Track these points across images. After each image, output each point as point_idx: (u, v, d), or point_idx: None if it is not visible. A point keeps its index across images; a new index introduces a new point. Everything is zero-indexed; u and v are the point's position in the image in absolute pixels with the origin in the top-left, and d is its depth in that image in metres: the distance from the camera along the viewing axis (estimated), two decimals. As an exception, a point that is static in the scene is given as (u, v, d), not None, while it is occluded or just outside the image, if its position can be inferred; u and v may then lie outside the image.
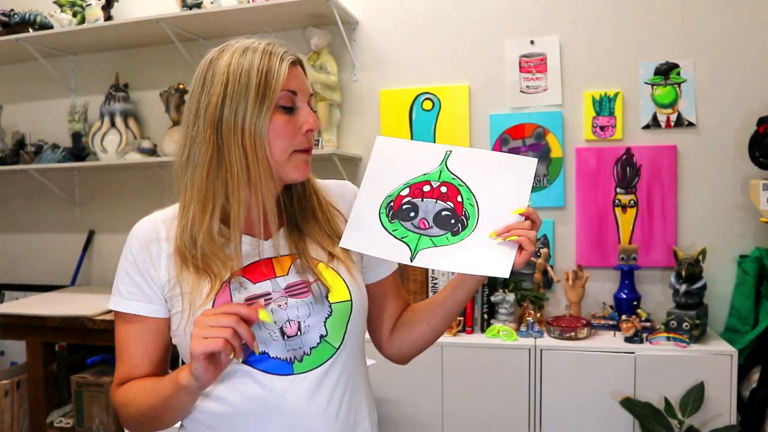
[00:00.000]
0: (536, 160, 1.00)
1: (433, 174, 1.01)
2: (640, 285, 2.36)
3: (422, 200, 0.99)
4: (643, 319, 2.18)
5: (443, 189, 1.00)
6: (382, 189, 1.01)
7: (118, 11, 2.83)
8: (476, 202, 0.98)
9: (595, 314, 2.31)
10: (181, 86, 2.72)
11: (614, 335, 2.18)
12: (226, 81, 0.92)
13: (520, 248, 0.95)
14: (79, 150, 2.85)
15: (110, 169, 3.00)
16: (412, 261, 0.96)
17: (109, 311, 2.44)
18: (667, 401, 1.96)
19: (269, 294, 0.95)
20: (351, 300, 0.99)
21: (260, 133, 0.92)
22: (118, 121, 2.78)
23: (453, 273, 1.08)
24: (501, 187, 0.99)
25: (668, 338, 2.07)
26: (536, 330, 2.20)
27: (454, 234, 0.97)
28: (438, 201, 0.99)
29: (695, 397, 1.93)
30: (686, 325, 2.06)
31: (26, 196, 3.17)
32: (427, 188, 1.00)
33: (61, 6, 2.78)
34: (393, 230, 0.98)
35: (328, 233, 1.03)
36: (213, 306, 0.92)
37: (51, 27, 2.78)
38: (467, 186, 0.99)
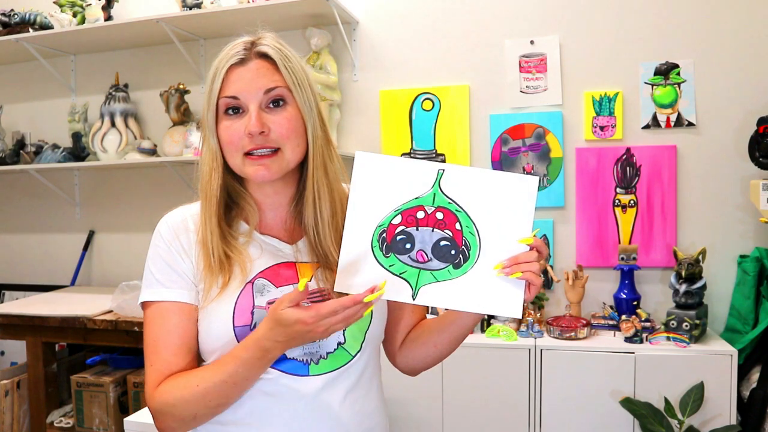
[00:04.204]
0: (537, 178, 0.92)
1: (426, 197, 0.91)
2: (640, 285, 2.36)
3: (417, 229, 0.91)
4: (643, 319, 2.18)
5: (439, 215, 0.91)
6: (372, 217, 0.91)
7: (118, 11, 2.83)
8: (476, 230, 0.91)
9: (595, 314, 2.31)
10: (181, 86, 2.72)
11: (614, 335, 2.18)
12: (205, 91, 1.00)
13: (528, 283, 0.90)
14: (79, 150, 2.85)
15: (110, 169, 3.00)
16: (414, 299, 0.90)
17: (109, 311, 2.44)
18: (667, 401, 1.96)
19: None
20: (371, 311, 0.98)
21: (210, 142, 0.98)
22: (118, 121, 2.78)
23: None
24: (501, 211, 0.91)
25: (668, 338, 2.07)
26: (536, 330, 2.20)
27: (456, 267, 0.91)
28: (435, 229, 0.91)
29: (695, 397, 1.93)
30: (686, 325, 2.06)
31: (26, 196, 3.17)
32: (421, 215, 0.91)
33: (61, 6, 2.78)
34: (390, 266, 0.90)
35: None
36: (235, 307, 0.94)
37: (51, 27, 2.78)
38: (465, 212, 0.91)
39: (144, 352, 0.98)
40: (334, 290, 0.92)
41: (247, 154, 0.95)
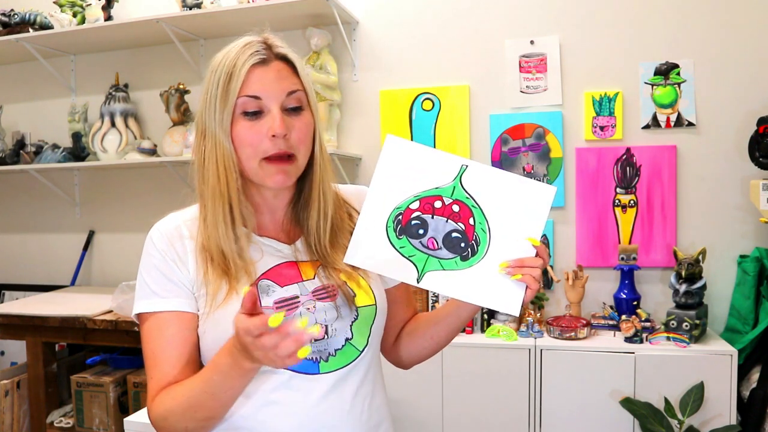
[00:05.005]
0: (555, 188, 0.96)
1: (446, 189, 0.95)
2: (640, 285, 2.36)
3: (432, 217, 0.94)
4: (643, 319, 2.18)
5: (455, 208, 0.94)
6: (391, 198, 0.95)
7: (118, 11, 2.83)
8: (488, 228, 0.94)
9: (595, 314, 2.31)
10: (181, 86, 2.72)
11: (614, 335, 2.18)
12: (206, 88, 0.95)
13: (526, 286, 0.93)
14: (79, 150, 2.85)
15: (110, 169, 3.00)
16: (418, 282, 0.93)
17: (109, 311, 2.44)
18: (667, 401, 1.96)
19: (297, 297, 0.96)
20: (375, 304, 1.00)
21: (223, 143, 0.93)
22: (118, 121, 2.78)
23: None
24: (515, 214, 0.94)
25: (668, 338, 2.07)
26: (536, 330, 2.20)
27: (464, 259, 0.94)
28: (449, 221, 0.94)
29: (695, 397, 1.93)
30: (686, 325, 2.06)
31: (26, 196, 3.17)
32: (438, 204, 0.94)
33: (61, 6, 2.78)
34: (400, 247, 0.94)
35: (349, 241, 1.01)
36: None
37: (51, 27, 2.78)
38: (480, 209, 0.94)
39: (144, 365, 0.97)
40: (344, 261, 0.95)
41: (265, 158, 0.93)
